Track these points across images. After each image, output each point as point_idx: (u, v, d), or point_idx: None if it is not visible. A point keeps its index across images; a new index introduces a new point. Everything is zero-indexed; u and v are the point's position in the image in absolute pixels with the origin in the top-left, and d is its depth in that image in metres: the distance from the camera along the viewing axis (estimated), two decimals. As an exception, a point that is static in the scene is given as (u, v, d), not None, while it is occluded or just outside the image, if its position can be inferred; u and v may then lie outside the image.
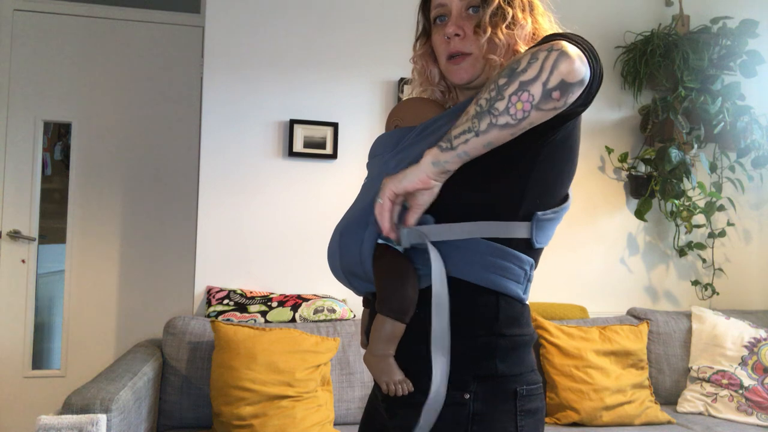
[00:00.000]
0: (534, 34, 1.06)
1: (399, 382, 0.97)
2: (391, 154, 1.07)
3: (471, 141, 0.89)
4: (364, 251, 1.01)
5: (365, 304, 1.12)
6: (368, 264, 1.00)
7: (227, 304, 2.38)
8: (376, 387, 1.10)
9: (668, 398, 2.58)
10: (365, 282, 1.04)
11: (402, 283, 0.97)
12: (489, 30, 1.01)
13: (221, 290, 2.44)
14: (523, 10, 1.05)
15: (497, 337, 0.98)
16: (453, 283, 0.96)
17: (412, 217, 0.97)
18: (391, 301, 0.97)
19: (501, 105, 0.85)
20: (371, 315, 1.07)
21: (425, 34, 1.14)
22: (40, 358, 3.00)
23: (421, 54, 1.14)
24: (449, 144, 0.91)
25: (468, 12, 1.05)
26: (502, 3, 1.02)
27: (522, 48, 1.02)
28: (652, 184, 2.80)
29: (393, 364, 0.98)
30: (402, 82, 2.59)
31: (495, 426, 0.96)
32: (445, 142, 0.91)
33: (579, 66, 0.82)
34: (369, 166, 1.16)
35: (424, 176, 0.93)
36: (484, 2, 1.02)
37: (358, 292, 1.10)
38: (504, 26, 1.01)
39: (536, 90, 0.83)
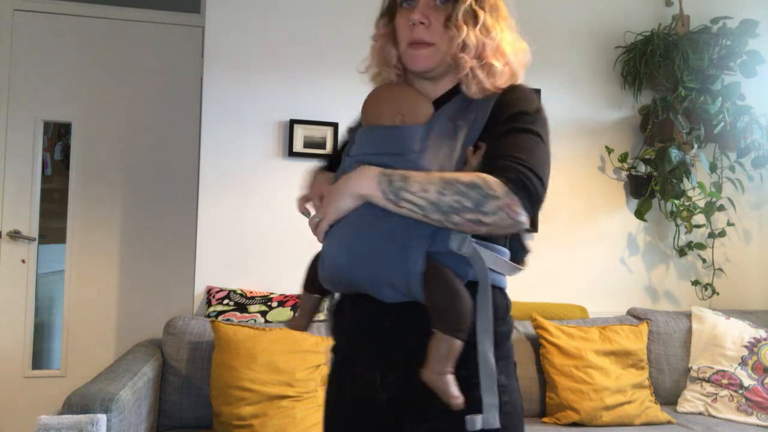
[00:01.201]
0: (498, 45, 1.08)
1: (454, 397, 0.96)
2: (410, 160, 1.02)
3: (414, 214, 0.95)
4: (416, 266, 0.97)
5: (312, 289, 1.15)
6: (417, 279, 0.98)
7: (227, 304, 2.39)
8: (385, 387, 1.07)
9: (668, 398, 2.58)
10: (398, 293, 1.00)
11: (461, 303, 0.97)
12: (464, 29, 1.03)
13: (221, 290, 2.44)
14: (491, 14, 1.07)
15: (497, 327, 1.04)
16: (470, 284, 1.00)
17: None
18: (451, 321, 0.97)
19: (456, 218, 0.94)
20: (340, 307, 1.12)
21: (390, 14, 1.12)
22: (40, 358, 3.00)
23: (382, 34, 1.13)
24: (395, 197, 0.96)
25: (436, 2, 1.05)
26: (474, 4, 1.04)
27: (491, 57, 1.05)
28: (652, 184, 2.80)
29: (452, 382, 0.97)
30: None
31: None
32: (393, 195, 0.96)
33: (523, 223, 0.95)
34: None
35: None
36: None
37: (382, 298, 1.02)
38: (477, 29, 1.04)
39: (486, 227, 0.94)
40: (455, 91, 1.09)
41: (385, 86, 1.15)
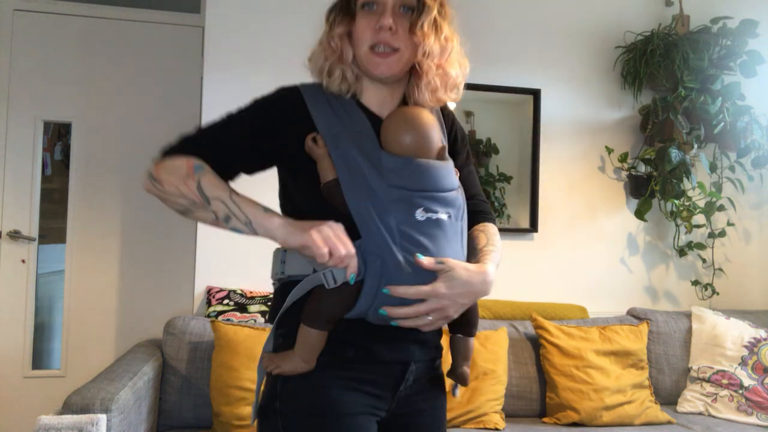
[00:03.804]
0: (453, 56, 1.13)
1: (468, 381, 1.22)
2: (457, 195, 1.10)
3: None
4: None
5: (322, 324, 1.02)
6: None
7: (227, 304, 2.39)
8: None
9: (668, 398, 2.58)
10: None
11: (476, 310, 1.18)
12: (430, 37, 1.06)
13: (221, 290, 2.44)
14: (450, 27, 1.11)
15: None
16: None
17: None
18: (471, 326, 1.17)
19: None
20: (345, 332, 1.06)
21: (349, 15, 1.10)
22: (40, 358, 3.00)
23: (339, 33, 1.10)
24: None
25: (400, 10, 1.07)
26: (437, 16, 1.08)
27: (448, 67, 1.10)
28: (652, 184, 2.80)
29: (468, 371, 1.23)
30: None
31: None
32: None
33: None
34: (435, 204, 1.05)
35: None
36: (419, 6, 1.06)
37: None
38: (440, 38, 1.08)
39: None
40: (404, 101, 1.14)
41: (414, 112, 1.09)
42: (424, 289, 0.98)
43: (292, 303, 1.04)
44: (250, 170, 1.12)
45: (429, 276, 0.99)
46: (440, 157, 1.07)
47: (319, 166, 1.05)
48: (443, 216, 1.02)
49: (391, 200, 1.00)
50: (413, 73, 1.11)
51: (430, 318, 1.00)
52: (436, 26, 1.07)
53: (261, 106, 1.13)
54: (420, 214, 1.00)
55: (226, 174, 1.08)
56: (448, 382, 1.22)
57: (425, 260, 0.97)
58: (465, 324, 1.12)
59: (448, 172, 1.07)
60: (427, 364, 1.15)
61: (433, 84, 1.09)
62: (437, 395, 1.19)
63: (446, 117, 1.20)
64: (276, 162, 1.12)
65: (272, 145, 1.09)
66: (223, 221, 1.01)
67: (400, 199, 1.00)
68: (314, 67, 1.13)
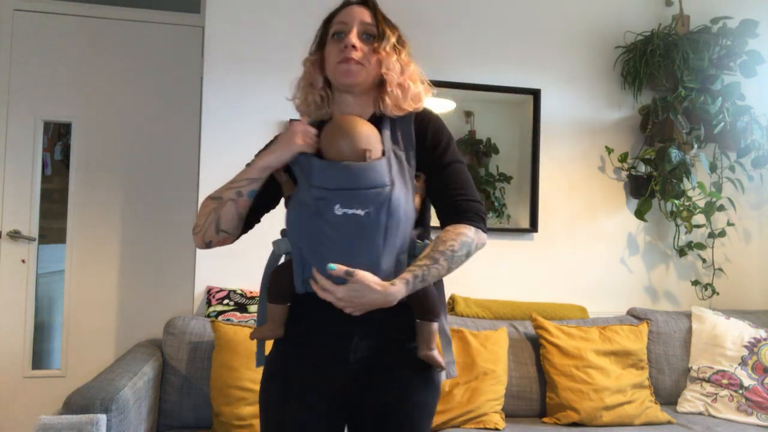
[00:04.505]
0: (411, 74, 1.31)
1: (440, 364, 1.29)
2: (387, 193, 1.19)
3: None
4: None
5: (281, 300, 1.27)
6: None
7: (227, 304, 2.39)
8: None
9: (668, 398, 2.58)
10: None
11: (433, 295, 1.28)
12: (392, 54, 1.27)
13: (221, 290, 2.44)
14: (406, 53, 1.32)
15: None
16: None
17: None
18: (429, 310, 1.26)
19: (456, 268, 1.25)
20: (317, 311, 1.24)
21: (321, 47, 1.33)
22: (40, 358, 3.00)
23: (312, 61, 1.34)
24: (418, 287, 1.22)
25: (363, 37, 1.28)
26: (396, 43, 1.29)
27: (407, 81, 1.29)
28: (652, 184, 2.80)
29: (437, 354, 1.28)
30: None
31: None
32: (415, 288, 1.20)
33: (486, 240, 1.28)
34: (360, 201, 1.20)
35: None
36: (380, 35, 1.28)
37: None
38: (400, 56, 1.29)
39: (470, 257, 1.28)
40: (374, 117, 1.31)
41: (344, 119, 1.25)
42: (329, 288, 1.15)
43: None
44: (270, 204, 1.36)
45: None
46: (365, 158, 1.19)
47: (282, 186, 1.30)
48: (360, 212, 1.15)
49: (314, 198, 1.18)
50: (379, 88, 1.29)
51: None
52: (396, 50, 1.29)
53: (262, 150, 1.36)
54: (338, 210, 1.15)
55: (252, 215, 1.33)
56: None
57: (336, 268, 1.13)
58: (422, 310, 1.24)
59: (370, 172, 1.18)
60: (382, 342, 1.26)
61: (396, 93, 1.27)
62: (412, 379, 1.28)
63: (419, 123, 1.31)
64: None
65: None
66: (237, 197, 1.24)
67: (320, 197, 1.17)
68: (293, 98, 1.38)
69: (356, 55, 1.25)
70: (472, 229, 1.23)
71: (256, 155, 1.31)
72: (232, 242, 1.30)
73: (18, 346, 2.91)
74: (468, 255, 1.23)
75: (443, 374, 1.31)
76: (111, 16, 3.06)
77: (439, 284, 1.29)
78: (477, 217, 1.25)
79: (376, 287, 1.14)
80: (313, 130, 1.25)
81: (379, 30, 1.28)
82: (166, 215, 3.06)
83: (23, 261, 2.94)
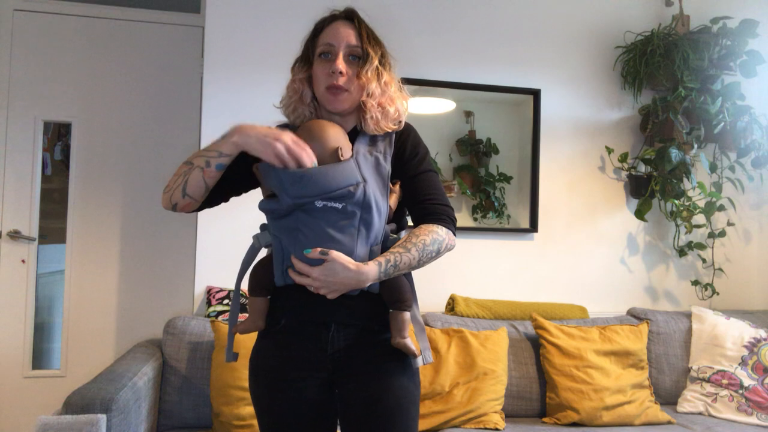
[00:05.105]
0: (391, 96, 1.39)
1: (413, 352, 1.34)
2: (363, 189, 1.27)
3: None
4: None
5: (261, 293, 1.35)
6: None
7: (227, 304, 2.38)
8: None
9: (668, 398, 2.58)
10: None
11: (404, 285, 1.35)
12: (373, 81, 1.35)
13: (221, 290, 2.44)
14: (389, 73, 1.40)
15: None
16: None
17: None
18: (400, 300, 1.33)
19: (427, 263, 1.33)
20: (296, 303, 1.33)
21: (308, 62, 1.40)
22: (40, 358, 3.00)
23: (300, 78, 1.41)
24: (389, 275, 1.29)
25: (349, 58, 1.35)
26: (379, 65, 1.36)
27: (387, 104, 1.37)
28: (652, 184, 2.80)
29: (410, 342, 1.34)
30: (401, 82, 2.59)
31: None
32: (386, 275, 1.28)
33: (455, 242, 1.38)
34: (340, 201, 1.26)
35: None
36: (364, 56, 1.35)
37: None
38: (380, 82, 1.37)
39: (441, 255, 1.36)
40: (355, 130, 1.40)
41: (316, 123, 1.34)
42: (305, 270, 1.24)
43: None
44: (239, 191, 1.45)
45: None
46: (338, 156, 1.28)
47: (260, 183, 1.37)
48: (338, 205, 1.25)
49: (294, 199, 1.24)
50: (360, 108, 1.38)
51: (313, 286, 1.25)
52: (378, 73, 1.36)
53: None
54: (318, 203, 1.25)
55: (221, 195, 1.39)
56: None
57: (311, 251, 1.23)
58: (394, 300, 1.32)
59: (340, 175, 1.26)
60: (359, 330, 1.33)
61: (375, 117, 1.36)
62: (390, 366, 1.34)
63: (399, 135, 1.40)
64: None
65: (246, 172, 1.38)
66: (206, 166, 1.26)
67: (299, 199, 1.24)
68: (282, 107, 1.44)
69: (342, 80, 1.34)
70: (444, 229, 1.33)
71: (240, 125, 1.30)
72: (195, 209, 1.34)
73: (18, 346, 2.92)
74: (438, 252, 1.31)
75: (419, 360, 1.37)
76: (111, 16, 3.06)
77: (409, 276, 1.38)
78: (449, 220, 1.35)
79: (349, 266, 1.22)
80: (303, 148, 1.28)
81: (363, 51, 1.36)
82: (166, 215, 3.06)
83: (23, 261, 2.94)
